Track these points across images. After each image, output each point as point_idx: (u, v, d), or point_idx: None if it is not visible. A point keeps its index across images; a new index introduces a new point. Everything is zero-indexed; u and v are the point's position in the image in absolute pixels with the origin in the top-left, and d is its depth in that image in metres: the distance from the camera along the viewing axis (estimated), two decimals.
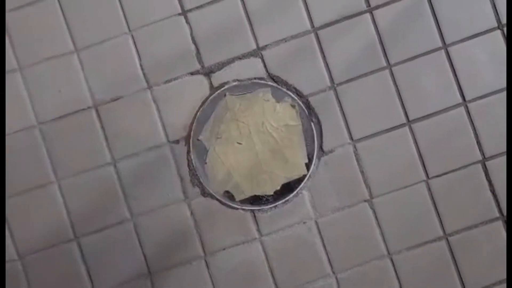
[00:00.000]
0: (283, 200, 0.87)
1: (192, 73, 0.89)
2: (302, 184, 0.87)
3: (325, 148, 0.88)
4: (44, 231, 0.88)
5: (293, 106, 0.89)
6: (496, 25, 0.88)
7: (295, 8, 0.89)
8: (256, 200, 0.88)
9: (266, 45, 0.89)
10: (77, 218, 0.88)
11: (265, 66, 0.89)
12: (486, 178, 0.87)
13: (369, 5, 0.88)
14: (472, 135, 0.87)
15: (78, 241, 0.88)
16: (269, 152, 0.88)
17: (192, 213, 0.88)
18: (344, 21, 0.88)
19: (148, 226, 0.87)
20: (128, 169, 0.88)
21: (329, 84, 0.88)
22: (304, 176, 0.88)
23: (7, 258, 0.87)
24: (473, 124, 0.87)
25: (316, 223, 0.87)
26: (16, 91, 0.89)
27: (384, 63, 0.88)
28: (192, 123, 0.88)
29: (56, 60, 0.89)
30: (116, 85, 0.89)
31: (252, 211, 0.88)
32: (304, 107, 0.88)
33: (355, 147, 0.88)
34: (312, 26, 0.89)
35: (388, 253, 0.87)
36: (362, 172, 0.87)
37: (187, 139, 0.88)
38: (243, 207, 0.88)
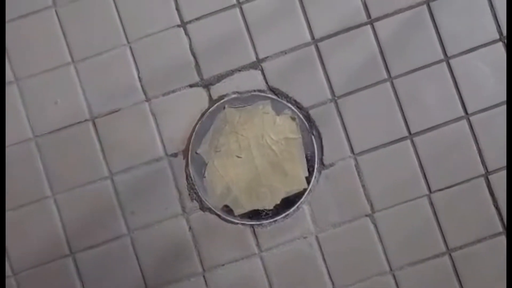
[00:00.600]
0: (283, 215, 0.86)
1: (191, 86, 0.88)
2: (303, 198, 0.86)
3: (325, 161, 0.87)
4: (39, 246, 0.86)
5: (293, 119, 0.87)
6: (498, 37, 0.87)
7: (295, 20, 0.88)
8: (255, 214, 0.86)
9: (266, 57, 0.88)
10: (72, 233, 0.86)
11: (265, 78, 0.88)
12: (489, 192, 0.86)
13: (370, 17, 0.88)
14: (475, 148, 0.86)
15: (73, 256, 0.86)
16: (269, 166, 0.87)
17: (190, 228, 0.86)
18: (344, 33, 0.88)
19: (145, 241, 0.86)
20: (125, 183, 0.86)
21: (329, 96, 0.87)
22: (305, 190, 0.86)
23: None
24: (475, 137, 0.86)
25: (317, 238, 0.86)
26: (12, 103, 0.88)
27: (385, 76, 0.87)
28: (190, 136, 0.87)
29: (53, 72, 0.88)
30: (113, 97, 0.88)
31: (252, 226, 0.86)
32: (304, 120, 0.87)
33: (356, 160, 0.87)
34: (313, 38, 0.88)
35: (390, 268, 0.85)
36: (363, 186, 0.86)
37: (185, 152, 0.87)
38: (243, 222, 0.86)
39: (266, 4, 0.88)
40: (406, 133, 0.86)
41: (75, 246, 0.86)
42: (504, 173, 0.86)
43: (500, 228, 0.85)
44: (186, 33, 0.88)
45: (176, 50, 0.88)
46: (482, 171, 0.86)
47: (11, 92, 0.88)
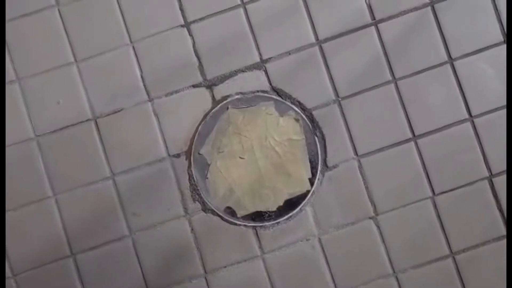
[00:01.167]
0: (286, 217, 0.85)
1: (194, 86, 0.87)
2: (306, 200, 0.86)
3: (329, 163, 0.86)
4: (39, 247, 0.85)
5: (296, 120, 0.87)
6: (502, 39, 0.87)
7: (300, 21, 0.88)
8: (258, 216, 0.86)
9: (269, 58, 0.87)
10: (73, 233, 0.85)
11: (268, 79, 0.87)
12: (493, 194, 0.85)
13: (374, 18, 0.87)
14: (479, 150, 0.86)
15: (74, 257, 0.85)
16: (271, 167, 0.86)
17: (192, 230, 0.86)
18: (348, 34, 0.87)
19: (147, 243, 0.85)
20: (127, 184, 0.86)
21: (333, 97, 0.87)
22: (308, 191, 0.86)
23: None
24: (479, 139, 0.86)
25: (320, 240, 0.85)
26: (14, 102, 0.87)
27: (389, 77, 0.87)
28: (193, 137, 0.86)
29: (55, 71, 0.88)
30: (116, 97, 0.87)
31: (254, 227, 0.86)
32: (308, 121, 0.87)
33: (359, 162, 0.86)
34: (317, 38, 0.87)
35: (393, 271, 0.85)
36: (366, 188, 0.86)
37: (188, 153, 0.87)
38: (245, 224, 0.86)
39: (270, 5, 0.87)
40: (410, 135, 0.86)
41: (76, 247, 0.85)
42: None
43: (504, 231, 0.85)
44: (190, 33, 0.88)
45: (180, 50, 0.87)
46: (486, 173, 0.86)
47: (13, 92, 0.87)
